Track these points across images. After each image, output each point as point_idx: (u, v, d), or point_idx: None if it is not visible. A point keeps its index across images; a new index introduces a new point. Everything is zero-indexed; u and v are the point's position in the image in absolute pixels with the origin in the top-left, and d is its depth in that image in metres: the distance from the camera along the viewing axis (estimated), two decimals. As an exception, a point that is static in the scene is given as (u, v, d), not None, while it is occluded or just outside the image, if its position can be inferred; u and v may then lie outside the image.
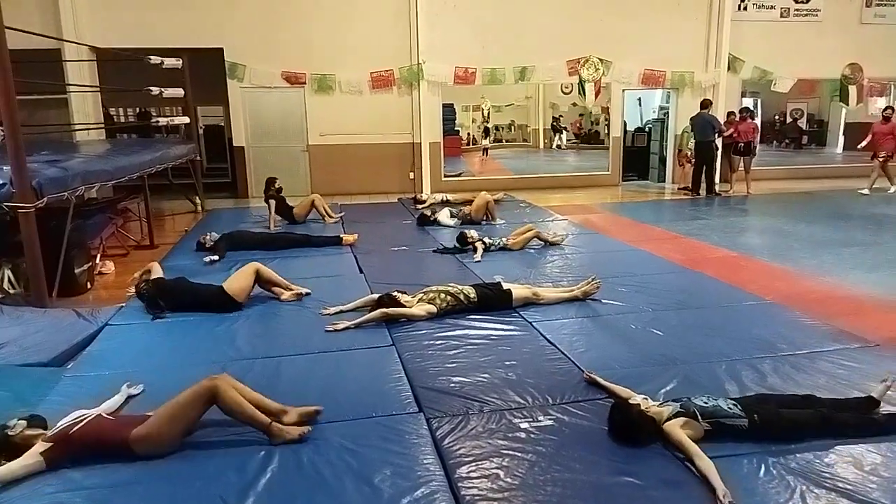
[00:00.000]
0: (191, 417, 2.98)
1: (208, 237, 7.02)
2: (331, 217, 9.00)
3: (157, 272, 5.25)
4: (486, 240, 6.91)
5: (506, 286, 5.06)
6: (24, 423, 2.90)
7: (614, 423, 3.08)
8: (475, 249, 6.73)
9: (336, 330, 4.52)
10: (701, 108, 11.78)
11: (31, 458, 2.77)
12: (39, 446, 2.81)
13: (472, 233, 6.97)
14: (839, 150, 19.33)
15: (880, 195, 11.46)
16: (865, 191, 11.56)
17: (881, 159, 11.77)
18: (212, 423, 3.14)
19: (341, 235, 7.52)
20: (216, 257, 6.59)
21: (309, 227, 8.44)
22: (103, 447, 2.88)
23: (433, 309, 4.74)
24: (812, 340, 4.26)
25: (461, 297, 4.86)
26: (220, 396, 2.96)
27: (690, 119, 11.95)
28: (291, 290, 5.35)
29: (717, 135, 11.54)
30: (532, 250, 7.01)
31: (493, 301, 4.93)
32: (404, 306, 4.71)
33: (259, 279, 5.20)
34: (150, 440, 2.87)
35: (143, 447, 2.87)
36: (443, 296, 4.83)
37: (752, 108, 13.44)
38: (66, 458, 2.83)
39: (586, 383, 3.63)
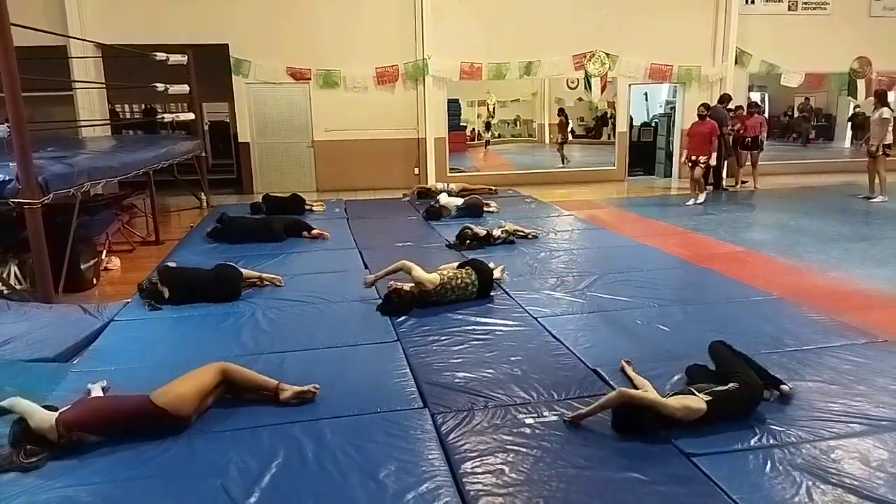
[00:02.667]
0: (204, 384, 3.13)
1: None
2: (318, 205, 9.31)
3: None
4: (496, 231, 7.02)
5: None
6: None
7: (615, 412, 3.07)
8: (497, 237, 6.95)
9: (369, 283, 5.20)
10: (718, 102, 11.71)
11: (48, 418, 2.87)
12: (57, 413, 2.90)
13: (476, 229, 6.99)
14: (846, 144, 19.20)
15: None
16: (690, 202, 10.21)
17: (703, 165, 10.34)
18: (215, 417, 3.15)
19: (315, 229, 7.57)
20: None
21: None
22: (120, 412, 3.00)
23: (436, 278, 4.92)
24: (819, 336, 4.24)
25: (462, 273, 5.05)
26: (230, 370, 3.22)
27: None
28: (264, 278, 5.49)
29: (725, 129, 11.47)
30: (537, 247, 6.97)
31: (484, 272, 5.13)
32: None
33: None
34: (170, 393, 3.03)
35: (164, 399, 3.01)
36: (447, 271, 5.08)
37: (759, 103, 13.32)
38: (79, 425, 2.89)
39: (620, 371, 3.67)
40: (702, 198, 10.25)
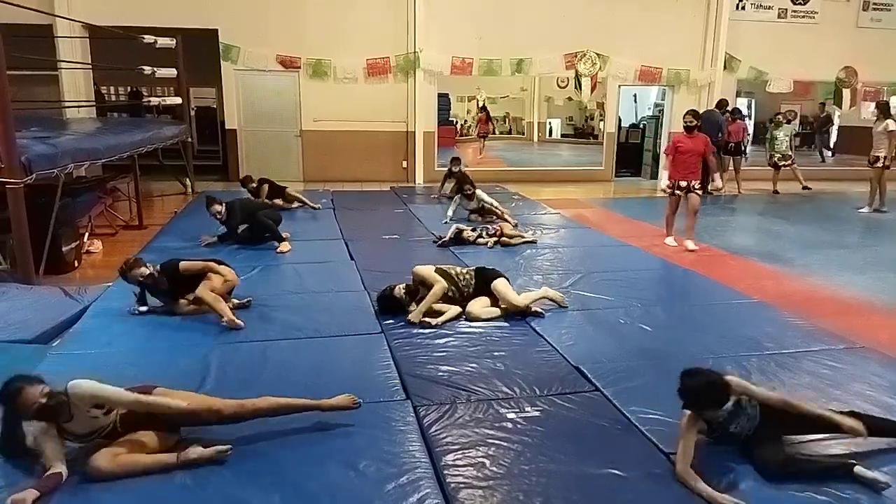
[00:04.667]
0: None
1: (217, 206, 6.58)
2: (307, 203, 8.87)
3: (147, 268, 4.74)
4: (483, 232, 6.96)
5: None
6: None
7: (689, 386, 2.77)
8: (486, 242, 6.76)
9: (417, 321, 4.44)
10: (716, 107, 11.75)
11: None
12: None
13: (469, 230, 6.96)
14: (829, 153, 19.40)
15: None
16: (689, 244, 7.22)
17: (698, 192, 7.30)
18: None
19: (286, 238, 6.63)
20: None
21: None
22: None
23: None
24: (798, 340, 4.30)
25: (456, 275, 4.76)
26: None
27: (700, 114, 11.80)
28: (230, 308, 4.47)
29: (720, 136, 11.52)
30: (524, 244, 6.98)
31: (489, 275, 4.83)
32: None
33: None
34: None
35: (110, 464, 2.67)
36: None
37: (741, 109, 13.39)
38: None
39: None
40: (692, 244, 7.20)
